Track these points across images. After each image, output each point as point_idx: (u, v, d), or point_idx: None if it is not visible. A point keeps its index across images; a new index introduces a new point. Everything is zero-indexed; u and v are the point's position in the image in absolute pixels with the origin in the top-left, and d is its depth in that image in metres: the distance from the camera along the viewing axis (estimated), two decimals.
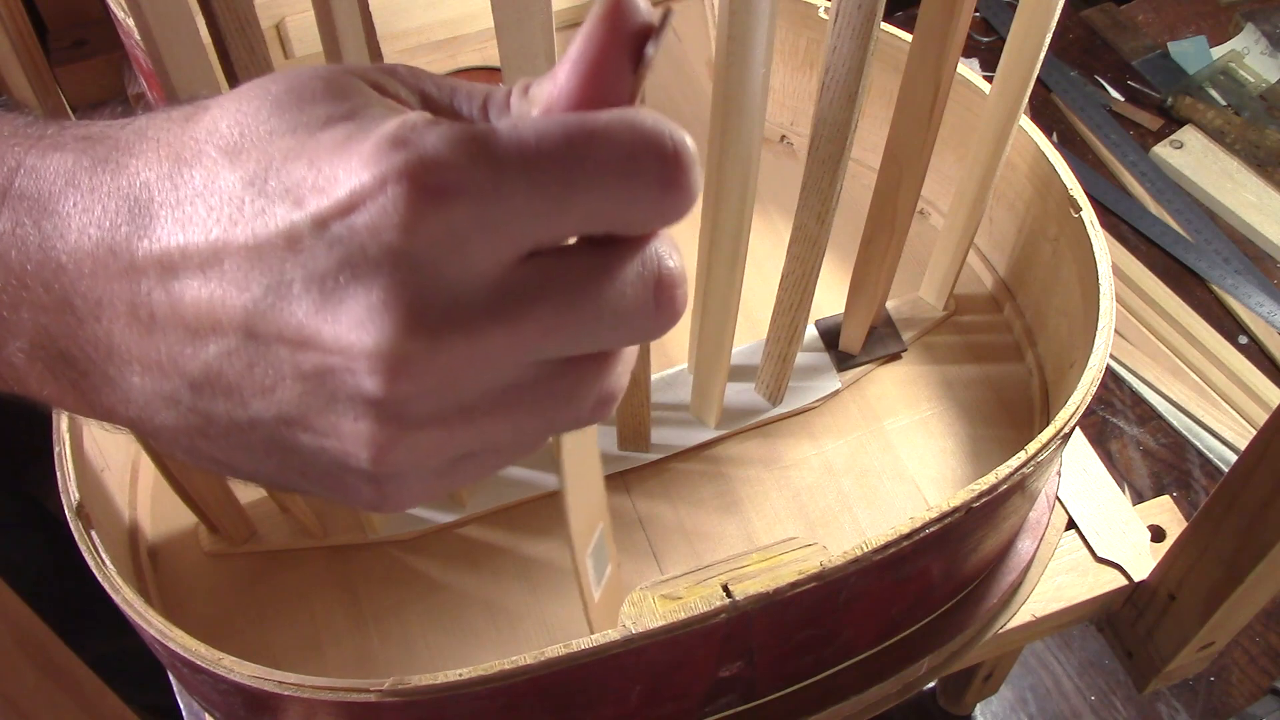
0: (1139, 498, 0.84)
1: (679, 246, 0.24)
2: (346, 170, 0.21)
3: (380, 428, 0.22)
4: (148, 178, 0.22)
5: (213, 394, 0.23)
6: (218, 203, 0.22)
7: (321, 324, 0.21)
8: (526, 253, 0.22)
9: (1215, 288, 0.95)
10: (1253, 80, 1.09)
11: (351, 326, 0.21)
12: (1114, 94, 1.09)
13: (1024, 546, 0.56)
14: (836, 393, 0.62)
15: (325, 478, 0.24)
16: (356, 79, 0.23)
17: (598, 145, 0.21)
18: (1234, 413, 0.88)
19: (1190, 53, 1.12)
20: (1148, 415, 0.89)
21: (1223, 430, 0.87)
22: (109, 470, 0.55)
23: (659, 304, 0.23)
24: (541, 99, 0.23)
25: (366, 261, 0.20)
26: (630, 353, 0.25)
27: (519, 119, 0.23)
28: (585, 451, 0.43)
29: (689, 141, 0.22)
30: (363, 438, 0.22)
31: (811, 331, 0.64)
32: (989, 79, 0.56)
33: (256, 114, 0.22)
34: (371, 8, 0.40)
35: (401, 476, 0.23)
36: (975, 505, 0.45)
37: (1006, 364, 0.63)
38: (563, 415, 0.24)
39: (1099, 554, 0.58)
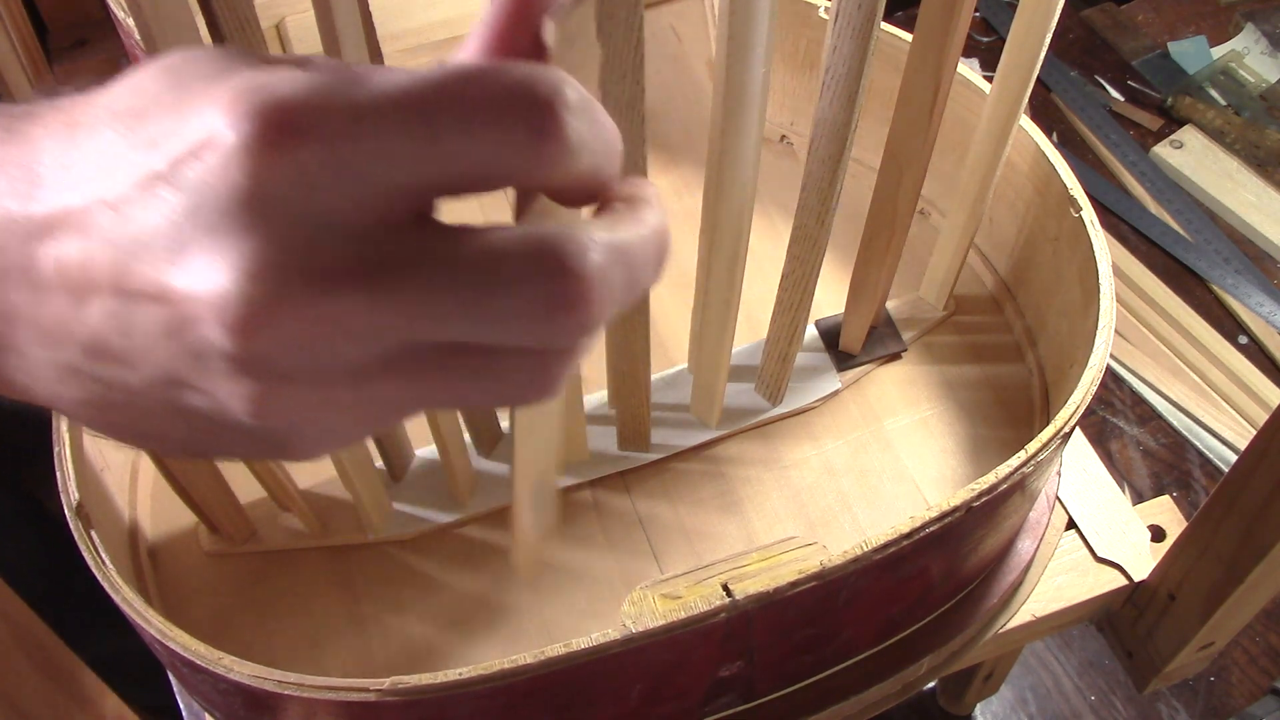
0: (1139, 498, 0.84)
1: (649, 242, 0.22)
2: (201, 115, 0.20)
3: (250, 384, 0.21)
4: (46, 145, 0.22)
5: (104, 360, 0.22)
6: (98, 161, 0.21)
7: (175, 275, 0.20)
8: (399, 213, 0.21)
9: (1215, 288, 0.95)
10: (1253, 80, 1.09)
11: (199, 276, 0.20)
12: (1114, 94, 1.09)
13: (1024, 546, 0.56)
14: (836, 393, 0.62)
15: (229, 436, 0.23)
16: (255, 55, 0.22)
17: (466, 89, 0.20)
18: (1234, 413, 0.88)
19: (1190, 53, 1.12)
20: (1148, 415, 0.89)
21: (1223, 430, 0.87)
22: (109, 470, 0.56)
23: (550, 303, 0.20)
24: None
25: (215, 206, 0.20)
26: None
27: (393, 69, 0.22)
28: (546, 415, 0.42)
29: (572, 91, 0.21)
30: (235, 394, 0.21)
31: (811, 331, 0.64)
32: (989, 79, 0.56)
33: (149, 79, 0.22)
34: (371, 7, 0.40)
35: (298, 430, 0.22)
36: (975, 505, 0.45)
37: (1006, 364, 0.63)
38: (475, 392, 0.22)
39: (1099, 554, 0.58)
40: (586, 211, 0.24)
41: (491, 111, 0.20)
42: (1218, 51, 1.12)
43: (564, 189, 0.22)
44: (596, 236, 0.21)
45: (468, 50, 0.23)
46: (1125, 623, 0.61)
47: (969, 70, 0.60)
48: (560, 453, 0.48)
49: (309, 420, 0.22)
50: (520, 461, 0.44)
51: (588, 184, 0.22)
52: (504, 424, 0.60)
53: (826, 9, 0.65)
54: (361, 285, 0.20)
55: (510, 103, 0.20)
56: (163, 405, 0.23)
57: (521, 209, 0.23)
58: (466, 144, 0.20)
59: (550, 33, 0.22)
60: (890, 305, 0.65)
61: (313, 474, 0.58)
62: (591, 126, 0.21)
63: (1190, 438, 0.88)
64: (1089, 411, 0.88)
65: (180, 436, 0.24)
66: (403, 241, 0.21)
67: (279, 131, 0.20)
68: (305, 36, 0.74)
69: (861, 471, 0.59)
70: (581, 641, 0.41)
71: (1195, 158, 1.02)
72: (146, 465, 0.59)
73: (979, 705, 0.79)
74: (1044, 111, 1.07)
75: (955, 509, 0.44)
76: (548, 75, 0.21)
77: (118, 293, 0.21)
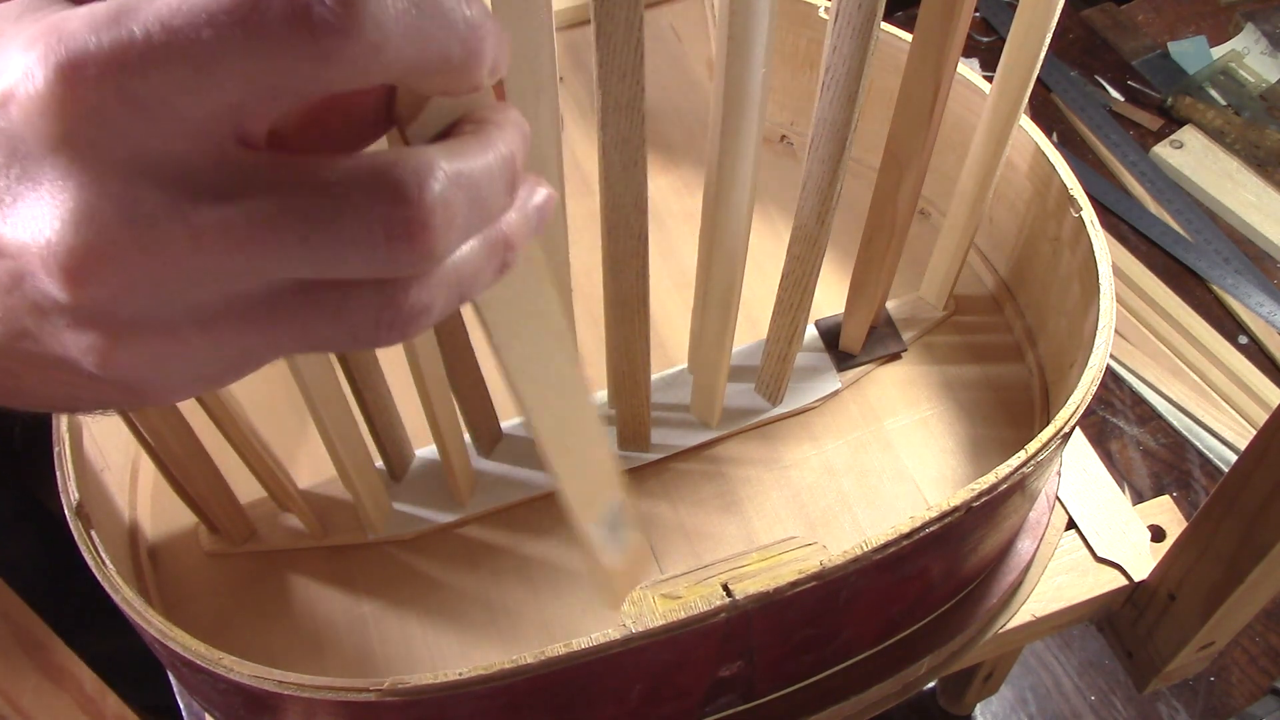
0: (1139, 498, 0.84)
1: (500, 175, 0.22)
2: (7, 60, 0.20)
3: (92, 335, 0.21)
4: None
5: None
6: None
7: (3, 226, 0.20)
8: (217, 143, 0.20)
9: (1215, 288, 0.95)
10: (1253, 80, 1.09)
11: (24, 225, 0.20)
12: (1114, 94, 1.09)
13: (1024, 546, 0.56)
14: (836, 393, 0.62)
15: (91, 387, 0.23)
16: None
17: (234, 3, 0.19)
18: (1234, 413, 0.88)
19: (1190, 53, 1.12)
20: (1148, 415, 0.89)
21: (1223, 430, 0.87)
22: (109, 470, 0.56)
23: (390, 234, 0.20)
24: None
25: (28, 152, 0.20)
26: (438, 268, 0.22)
27: None
28: (571, 420, 0.42)
29: None
30: (80, 345, 0.21)
31: (811, 331, 0.64)
32: (989, 79, 0.56)
33: None
34: None
35: (150, 379, 0.22)
36: (975, 505, 0.45)
37: (1006, 364, 0.63)
38: (331, 331, 0.21)
39: (1099, 554, 0.58)
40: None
41: (254, 15, 0.19)
42: (1218, 51, 1.12)
43: (409, 81, 0.21)
44: (439, 163, 0.20)
45: None
46: (1125, 623, 0.61)
47: (969, 70, 0.60)
48: (610, 464, 0.47)
49: (160, 368, 0.22)
50: (567, 491, 0.43)
51: (437, 69, 0.21)
52: (503, 424, 0.60)
53: (826, 9, 0.65)
54: (189, 222, 0.20)
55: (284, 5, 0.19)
56: (23, 361, 0.22)
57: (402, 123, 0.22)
58: (248, 60, 0.19)
59: None
60: (890, 305, 0.65)
61: (313, 474, 0.58)
62: (405, 7, 0.20)
63: (1190, 438, 0.88)
64: (1089, 411, 0.88)
65: (50, 392, 0.23)
66: (230, 174, 0.20)
67: (66, 68, 0.19)
68: None
69: (861, 471, 0.59)
70: (581, 641, 0.41)
71: (1195, 158, 1.02)
72: (146, 465, 0.59)
73: (979, 705, 0.79)
74: (1044, 111, 1.07)
75: (955, 509, 0.44)
76: None
77: None
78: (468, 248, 0.22)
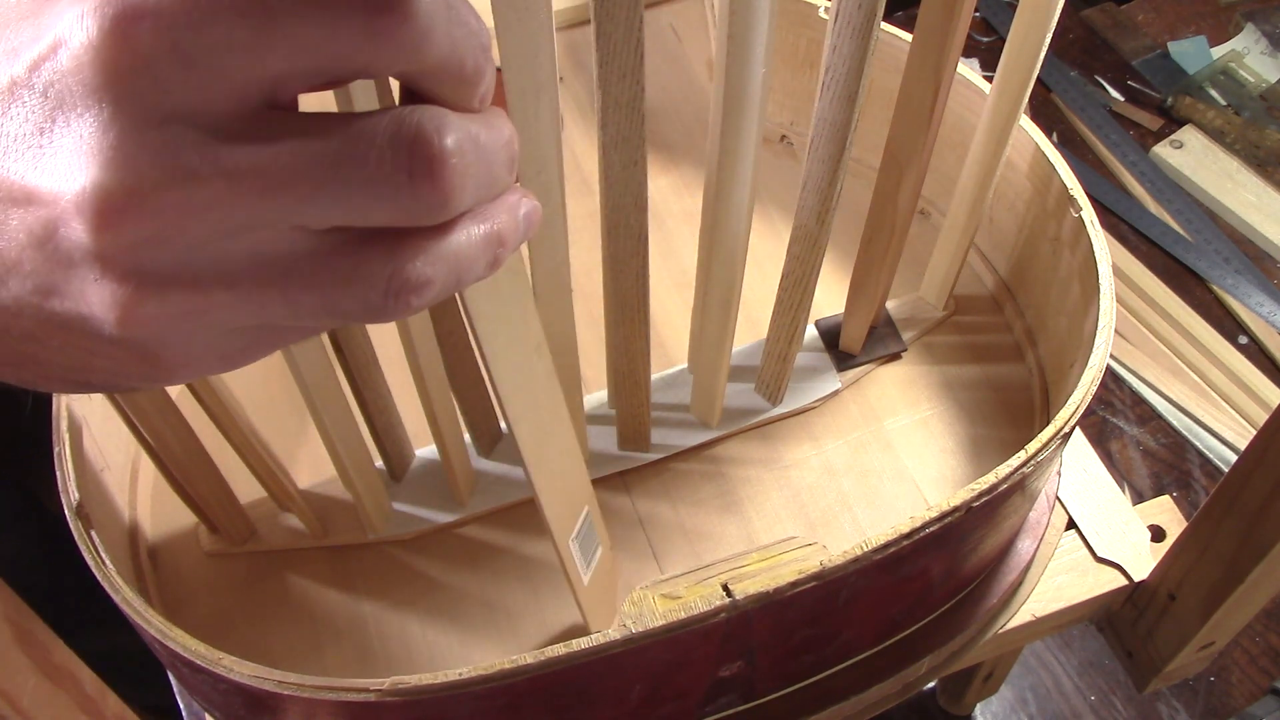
0: (1139, 498, 0.84)
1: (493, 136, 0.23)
2: (55, 14, 0.20)
3: (118, 285, 0.21)
4: None
5: None
6: None
7: (39, 176, 0.21)
8: (252, 100, 0.21)
9: (1215, 288, 0.95)
10: (1253, 80, 1.09)
11: (61, 172, 0.20)
12: (1114, 94, 1.09)
13: (1024, 546, 0.56)
14: (836, 393, 0.62)
15: (101, 351, 0.23)
16: None
17: None
18: (1234, 413, 0.88)
19: (1190, 53, 1.12)
20: (1148, 415, 0.89)
21: (1223, 430, 0.87)
22: (109, 470, 0.56)
23: (413, 173, 0.22)
24: None
25: (72, 101, 0.20)
26: (435, 241, 0.23)
27: None
28: (552, 438, 0.43)
29: None
30: (105, 298, 0.21)
31: (811, 331, 0.64)
32: (989, 79, 0.56)
33: None
34: None
35: (167, 342, 0.22)
36: (975, 505, 0.45)
37: (1006, 364, 0.63)
38: (344, 297, 0.23)
39: (1099, 554, 0.58)
40: None
41: None
42: (1218, 51, 1.12)
43: (425, 79, 0.23)
44: (453, 118, 0.22)
45: None
46: (1125, 623, 0.61)
47: (969, 70, 0.60)
48: (584, 478, 0.48)
49: (181, 329, 0.22)
50: (552, 519, 0.44)
51: (452, 75, 0.23)
52: (503, 424, 0.60)
53: (826, 9, 0.65)
54: (224, 169, 0.21)
55: None
56: (40, 325, 0.22)
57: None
58: (307, 28, 0.20)
59: None
60: (890, 305, 0.65)
61: (313, 474, 0.58)
62: (447, 10, 0.22)
63: (1190, 438, 0.88)
64: (1089, 411, 0.88)
65: (65, 361, 0.24)
66: (262, 127, 0.21)
67: (119, 22, 0.20)
68: None
69: (861, 471, 0.59)
70: (581, 641, 0.41)
71: (1195, 158, 1.02)
72: (146, 465, 0.59)
73: (979, 705, 0.79)
74: (1044, 111, 1.07)
75: (955, 509, 0.44)
76: None
77: None
78: (466, 234, 0.24)
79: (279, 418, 0.61)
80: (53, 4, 0.21)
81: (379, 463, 0.57)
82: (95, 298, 0.21)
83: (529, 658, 0.40)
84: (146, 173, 0.20)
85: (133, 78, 0.20)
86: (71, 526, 0.47)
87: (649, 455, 0.59)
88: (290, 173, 0.21)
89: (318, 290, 0.22)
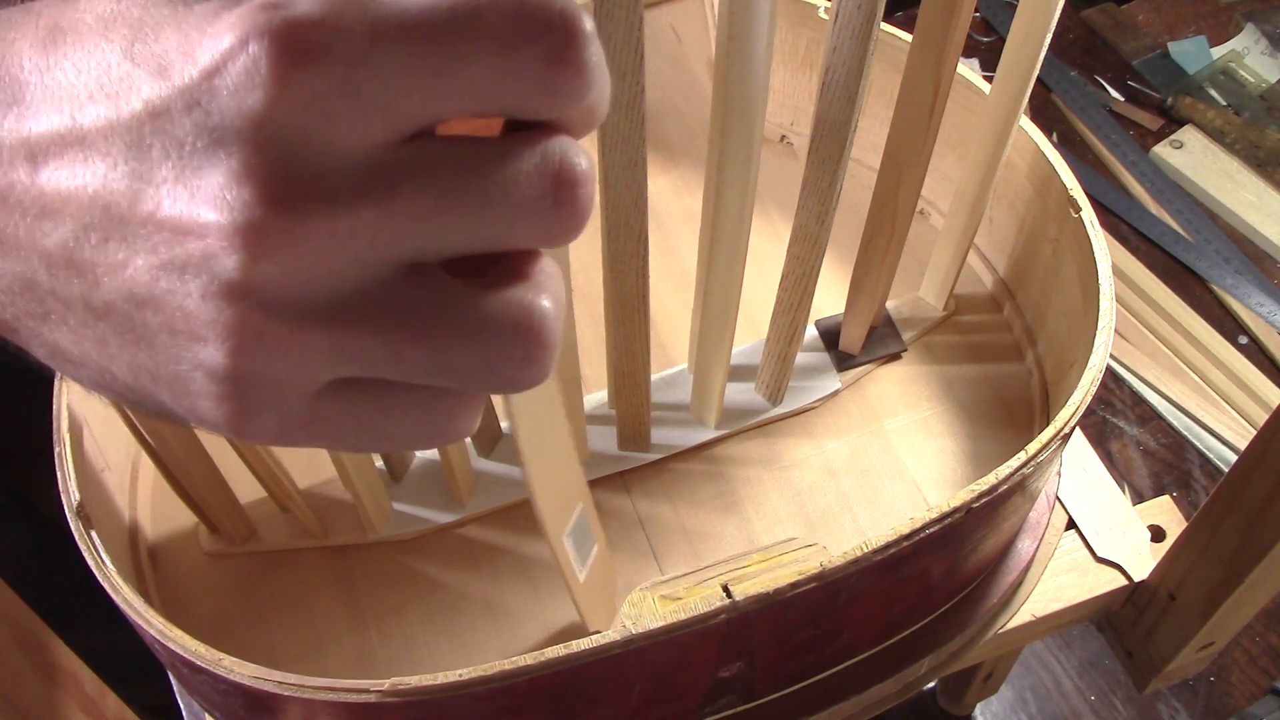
0: (1139, 498, 0.84)
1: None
2: (214, 34, 0.20)
3: (239, 312, 0.20)
4: (23, 49, 0.21)
5: (68, 273, 0.21)
6: (87, 73, 0.21)
7: (179, 197, 0.20)
8: (407, 133, 0.21)
9: (1215, 288, 0.95)
10: (1253, 80, 1.09)
11: (209, 198, 0.20)
12: (1114, 94, 1.09)
13: (1024, 546, 0.56)
14: (836, 393, 0.62)
15: (176, 382, 0.22)
16: None
17: (482, 14, 0.20)
18: (1234, 413, 0.88)
19: (1190, 53, 1.12)
20: (1148, 415, 0.89)
21: (1223, 430, 0.87)
22: (109, 470, 0.55)
23: (558, 199, 0.21)
24: None
25: (227, 128, 0.20)
26: (550, 290, 0.23)
27: None
28: (550, 435, 0.43)
29: (584, 18, 0.21)
30: (220, 326, 0.21)
31: (811, 331, 0.64)
32: (989, 79, 0.56)
33: None
34: None
35: (262, 390, 0.22)
36: (975, 505, 0.45)
37: (1006, 364, 0.63)
38: (455, 351, 0.22)
39: (1099, 554, 0.58)
40: None
41: (506, 41, 0.20)
42: (1218, 51, 1.12)
43: (571, 123, 0.23)
44: (578, 146, 0.22)
45: None
46: (1125, 623, 0.61)
47: (969, 70, 0.60)
48: (579, 475, 0.48)
49: (280, 377, 0.21)
50: (546, 516, 0.44)
51: (590, 116, 0.23)
52: (503, 424, 0.60)
53: (826, 9, 0.65)
54: (371, 197, 0.20)
55: (524, 29, 0.20)
56: (120, 330, 0.22)
57: None
58: (483, 76, 0.20)
59: None
60: (890, 305, 0.65)
61: (313, 474, 0.58)
62: (602, 58, 0.22)
63: (1190, 438, 0.88)
64: (1089, 411, 0.88)
65: (121, 373, 0.23)
66: (411, 156, 0.21)
67: (295, 54, 0.19)
68: None
69: (861, 471, 0.59)
70: (582, 642, 0.41)
71: (1195, 158, 1.02)
72: (146, 465, 0.59)
73: (979, 705, 0.79)
74: (1044, 111, 1.07)
75: (955, 509, 0.44)
76: (563, 2, 0.21)
77: (104, 210, 0.21)
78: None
79: None
80: (206, 18, 0.20)
81: (379, 463, 0.57)
82: (204, 320, 0.21)
83: (529, 658, 0.40)
84: (302, 207, 0.20)
85: (297, 111, 0.19)
86: (71, 526, 0.47)
87: (649, 455, 0.59)
88: (438, 199, 0.21)
89: (426, 340, 0.22)
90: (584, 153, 0.22)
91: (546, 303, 0.22)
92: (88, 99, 0.21)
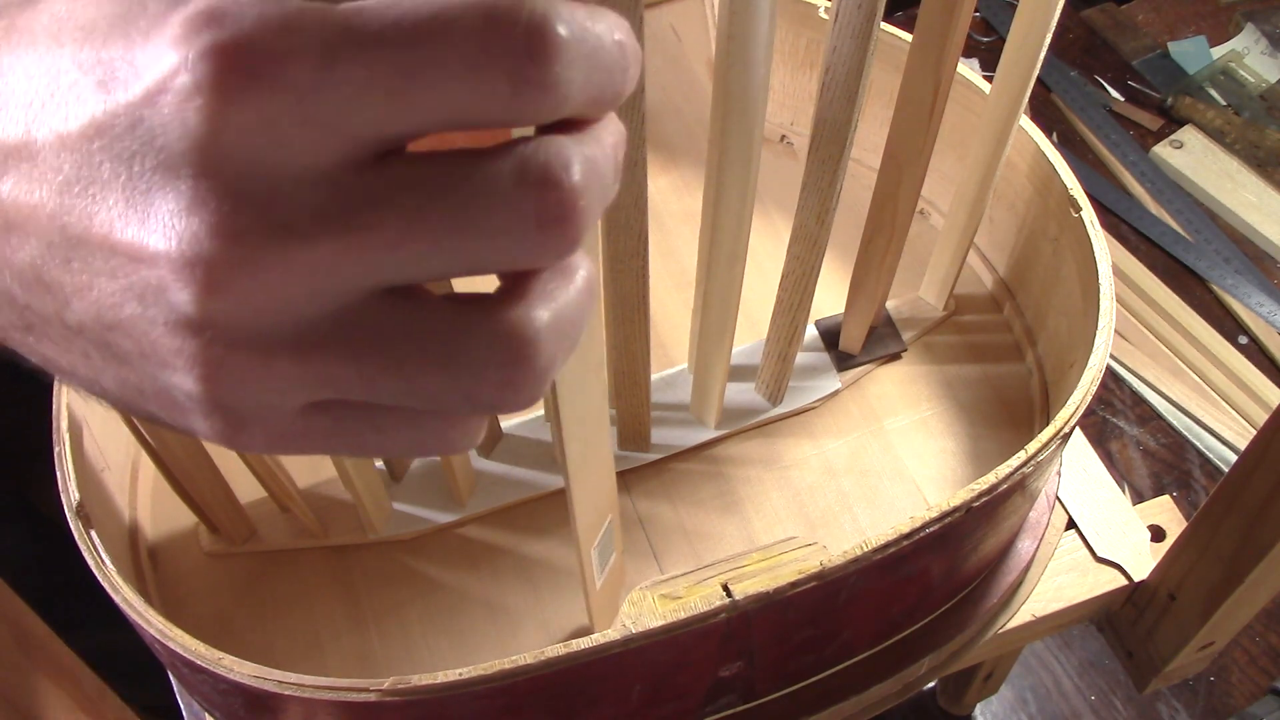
0: (1139, 498, 0.84)
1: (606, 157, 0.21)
2: (157, 48, 0.18)
3: (202, 347, 0.19)
4: None
5: (38, 290, 0.21)
6: (39, 79, 0.19)
7: (131, 221, 0.19)
8: (370, 154, 0.19)
9: (1215, 288, 0.95)
10: (1253, 80, 1.09)
11: (158, 227, 0.18)
12: (1114, 94, 1.09)
13: (1024, 546, 0.56)
14: (836, 393, 0.62)
15: (161, 397, 0.21)
16: None
17: (443, 27, 0.18)
18: (1234, 413, 0.88)
19: (1190, 53, 1.12)
20: (1148, 415, 0.89)
21: (1223, 430, 0.87)
22: (109, 470, 0.55)
23: (541, 220, 0.19)
24: None
25: (173, 155, 0.18)
26: (553, 310, 0.21)
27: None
28: (591, 445, 0.43)
29: (565, 26, 0.19)
30: (185, 357, 0.19)
31: (811, 331, 0.64)
32: (989, 79, 0.56)
33: None
34: None
35: (243, 411, 0.20)
36: (975, 505, 0.45)
37: (1006, 364, 0.63)
38: (427, 380, 0.20)
39: (1099, 554, 0.58)
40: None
41: (470, 56, 0.18)
42: (1218, 51, 1.12)
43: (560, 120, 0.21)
44: (575, 150, 0.20)
45: None
46: (1125, 623, 0.61)
47: (969, 70, 0.60)
48: (613, 489, 0.48)
49: (263, 403, 0.20)
50: (582, 529, 0.44)
51: (586, 114, 0.21)
52: (504, 424, 0.60)
53: (826, 9, 0.65)
54: (334, 226, 0.19)
55: (489, 45, 0.18)
56: (98, 348, 0.21)
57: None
58: (444, 95, 0.19)
59: None
60: (890, 305, 0.65)
61: (313, 474, 0.58)
62: (587, 60, 0.20)
63: (1190, 438, 0.88)
64: (1089, 411, 0.88)
65: (111, 387, 0.22)
66: (374, 179, 0.19)
67: (239, 77, 0.18)
68: None
69: (861, 471, 0.59)
70: (581, 641, 0.41)
71: (1195, 158, 1.02)
72: (146, 465, 0.59)
73: (979, 705, 0.79)
74: (1044, 111, 1.07)
75: (955, 509, 0.44)
76: (537, 8, 0.19)
77: (62, 231, 0.19)
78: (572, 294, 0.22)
79: None
80: (151, 28, 0.19)
81: (379, 463, 0.57)
82: (171, 352, 0.20)
83: (529, 658, 0.40)
84: (257, 238, 0.18)
85: (245, 136, 0.18)
86: (71, 526, 0.47)
87: (649, 455, 0.59)
88: (408, 224, 0.19)
89: (400, 370, 0.20)
90: (578, 156, 0.20)
91: (540, 321, 0.20)
92: (40, 108, 0.19)
